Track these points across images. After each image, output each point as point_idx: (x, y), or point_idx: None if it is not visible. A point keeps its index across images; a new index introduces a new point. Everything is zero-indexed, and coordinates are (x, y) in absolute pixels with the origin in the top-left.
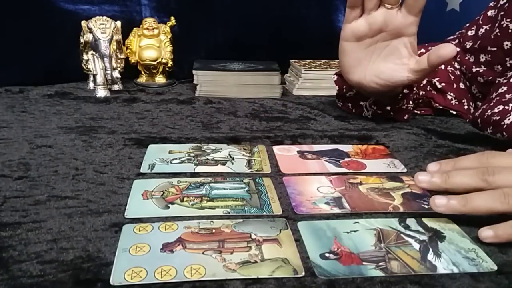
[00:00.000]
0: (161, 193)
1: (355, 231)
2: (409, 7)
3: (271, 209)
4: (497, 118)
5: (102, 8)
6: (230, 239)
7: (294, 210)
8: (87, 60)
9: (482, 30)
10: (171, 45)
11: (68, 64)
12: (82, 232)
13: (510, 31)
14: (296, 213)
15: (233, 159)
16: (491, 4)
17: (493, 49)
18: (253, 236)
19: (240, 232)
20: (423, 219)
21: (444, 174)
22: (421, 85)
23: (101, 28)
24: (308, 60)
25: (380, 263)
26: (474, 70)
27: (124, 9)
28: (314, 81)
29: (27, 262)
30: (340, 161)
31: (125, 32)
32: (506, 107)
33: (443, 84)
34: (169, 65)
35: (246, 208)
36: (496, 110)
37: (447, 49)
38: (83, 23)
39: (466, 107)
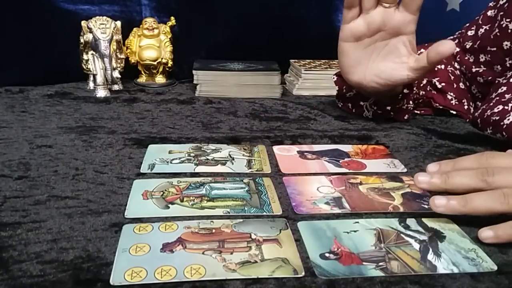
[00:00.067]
0: (161, 193)
1: (355, 231)
2: (407, 5)
3: (271, 209)
4: (497, 118)
5: (102, 8)
6: (230, 239)
7: (294, 210)
8: (87, 60)
9: (482, 30)
10: (171, 45)
11: (68, 64)
12: (82, 232)
13: (509, 31)
14: (296, 213)
15: (233, 159)
16: (490, 4)
17: (492, 49)
18: (253, 236)
19: (240, 232)
20: (423, 219)
21: (443, 175)
22: (421, 85)
23: (101, 28)
24: (308, 60)
25: (380, 263)
26: (473, 70)
27: (124, 9)
28: (314, 81)
29: (27, 262)
30: (340, 161)
31: (125, 32)
32: (506, 107)
33: (443, 84)
34: (169, 65)
35: (246, 208)
36: (495, 110)
37: (446, 46)
38: (83, 23)
39: (466, 107)
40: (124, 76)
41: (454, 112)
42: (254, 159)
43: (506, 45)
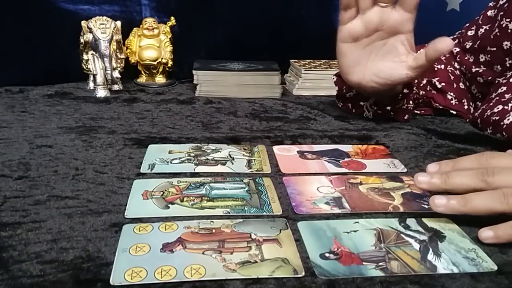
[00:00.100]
0: (161, 193)
1: (355, 231)
2: (404, 4)
3: (271, 209)
4: (497, 118)
5: (102, 8)
6: (230, 239)
7: (294, 210)
8: (87, 60)
9: (482, 30)
10: (171, 45)
11: (68, 64)
12: (82, 232)
13: (509, 31)
14: (296, 213)
15: (233, 159)
16: (490, 4)
17: (492, 49)
18: (253, 236)
19: (240, 232)
20: (423, 219)
21: (443, 175)
22: (421, 85)
23: (101, 28)
24: (308, 60)
25: (380, 263)
26: (473, 70)
27: (124, 9)
28: (314, 81)
29: (27, 262)
30: (340, 161)
31: (125, 32)
32: (506, 107)
33: (443, 84)
34: (169, 65)
35: (246, 208)
36: (495, 110)
37: (444, 43)
38: (83, 23)
39: (466, 107)
40: (124, 76)
41: (454, 112)
42: (254, 159)
43: (506, 45)
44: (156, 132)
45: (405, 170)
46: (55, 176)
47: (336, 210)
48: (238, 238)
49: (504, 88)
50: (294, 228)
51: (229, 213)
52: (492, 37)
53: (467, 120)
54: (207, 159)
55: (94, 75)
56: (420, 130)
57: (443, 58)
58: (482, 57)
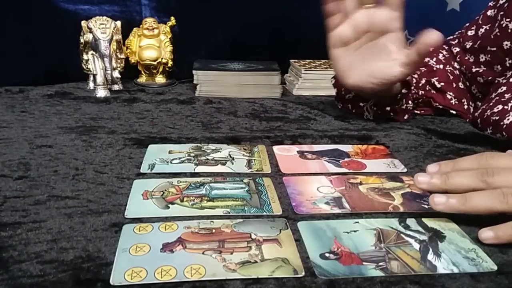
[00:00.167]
0: (161, 193)
1: (355, 231)
2: (389, 2)
3: (271, 209)
4: (497, 118)
5: (102, 8)
6: (230, 239)
7: (294, 210)
8: (87, 60)
9: (482, 30)
10: (171, 45)
11: (68, 64)
12: (82, 232)
13: (509, 31)
14: (296, 213)
15: (233, 159)
16: (490, 4)
17: (492, 49)
18: (253, 236)
19: (240, 232)
20: (423, 219)
21: (443, 175)
22: (420, 84)
23: (101, 28)
24: (308, 60)
25: (380, 263)
26: (473, 70)
27: (124, 9)
28: (314, 81)
29: (27, 262)
30: (340, 161)
31: (125, 32)
32: (506, 107)
33: (442, 83)
34: (169, 65)
35: (246, 208)
36: (495, 110)
37: (432, 36)
38: (83, 23)
39: (466, 106)
40: (124, 76)
41: (454, 112)
42: (254, 159)
43: (506, 45)
44: (156, 132)
45: (405, 170)
46: (55, 176)
47: (336, 210)
48: (238, 238)
49: (504, 88)
50: (294, 228)
51: (229, 213)
52: (492, 37)
53: (467, 120)
54: (207, 159)
55: (94, 75)
56: (420, 130)
57: (442, 58)
58: (482, 57)
